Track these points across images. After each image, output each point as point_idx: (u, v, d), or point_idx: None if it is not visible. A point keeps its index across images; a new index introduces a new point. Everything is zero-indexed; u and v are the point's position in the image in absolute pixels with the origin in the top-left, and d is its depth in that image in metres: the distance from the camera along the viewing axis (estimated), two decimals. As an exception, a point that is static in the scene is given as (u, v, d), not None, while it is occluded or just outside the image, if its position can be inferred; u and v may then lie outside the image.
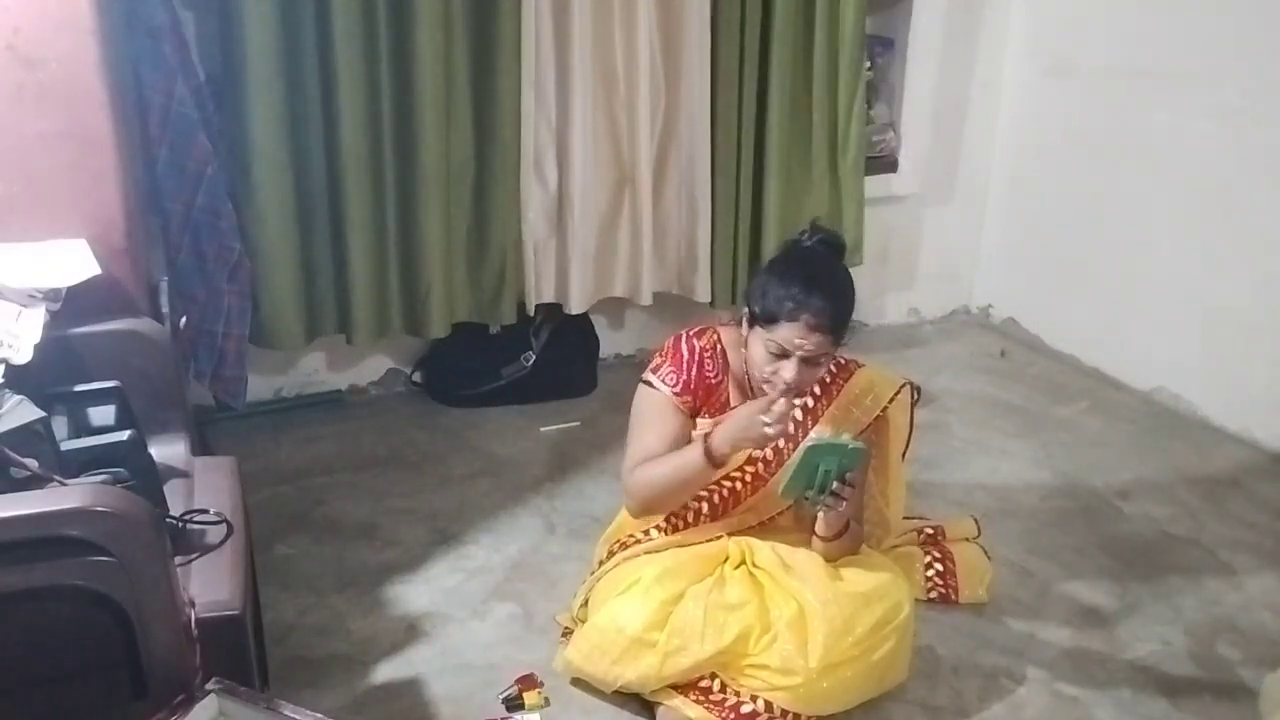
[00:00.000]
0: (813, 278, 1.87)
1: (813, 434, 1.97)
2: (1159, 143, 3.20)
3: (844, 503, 1.88)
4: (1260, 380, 3.02)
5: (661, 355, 2.04)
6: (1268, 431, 3.00)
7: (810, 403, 2.00)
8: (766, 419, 1.81)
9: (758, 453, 2.00)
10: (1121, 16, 3.28)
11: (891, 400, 2.06)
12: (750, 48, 3.12)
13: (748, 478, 2.03)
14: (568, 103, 2.99)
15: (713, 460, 1.91)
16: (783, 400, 1.83)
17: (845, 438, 1.85)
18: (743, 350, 2.01)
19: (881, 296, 3.81)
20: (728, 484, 2.03)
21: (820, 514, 1.94)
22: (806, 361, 1.86)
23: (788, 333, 1.85)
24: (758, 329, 1.90)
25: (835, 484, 1.84)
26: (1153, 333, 3.30)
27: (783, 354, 1.86)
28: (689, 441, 1.98)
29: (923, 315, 3.94)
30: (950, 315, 3.97)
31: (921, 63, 3.57)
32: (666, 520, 2.07)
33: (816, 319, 1.84)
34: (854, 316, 1.95)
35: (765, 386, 1.90)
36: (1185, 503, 2.73)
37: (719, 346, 2.03)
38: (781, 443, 1.99)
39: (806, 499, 1.87)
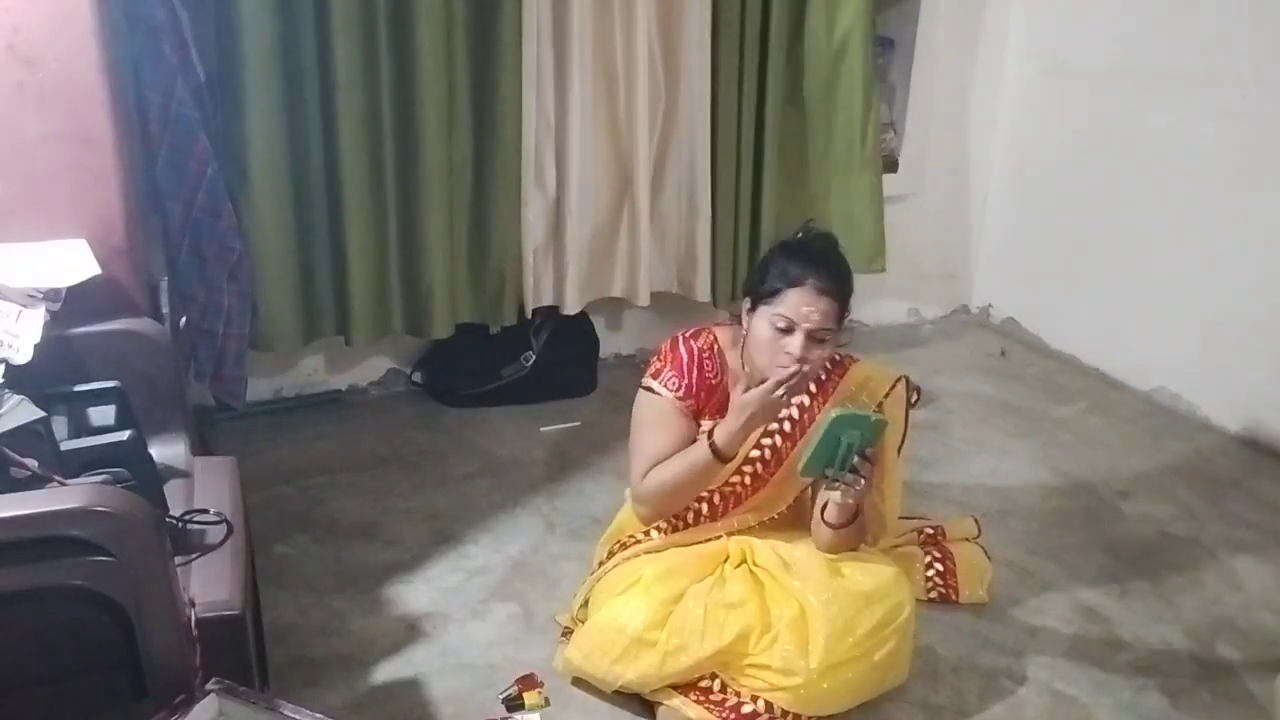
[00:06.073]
0: (815, 251, 1.92)
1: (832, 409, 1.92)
2: (1159, 143, 3.20)
3: (862, 481, 1.86)
4: (1260, 380, 3.01)
5: (660, 359, 2.03)
6: (1268, 431, 3.00)
7: (807, 400, 2.00)
8: (776, 385, 1.81)
9: (755, 452, 2.00)
10: (1121, 16, 3.28)
11: (887, 395, 2.05)
12: (750, 47, 3.12)
13: (747, 479, 2.03)
14: (567, 103, 2.99)
15: (721, 456, 1.91)
16: (787, 371, 1.82)
17: (867, 410, 1.84)
18: (740, 349, 2.01)
19: (881, 296, 3.81)
20: (728, 485, 2.03)
21: (834, 497, 1.91)
22: (812, 338, 1.85)
23: (795, 300, 1.85)
24: (761, 308, 1.89)
25: (856, 459, 1.83)
26: (1153, 333, 3.31)
27: (789, 328, 1.85)
28: (694, 443, 1.98)
29: (923, 315, 3.94)
30: (950, 315, 3.98)
31: (922, 62, 3.57)
32: (666, 520, 2.06)
33: (823, 284, 1.85)
34: (854, 317, 1.94)
35: (770, 373, 1.87)
36: (1185, 503, 2.73)
37: (716, 347, 2.03)
38: (779, 440, 1.99)
39: (826, 476, 1.85)
